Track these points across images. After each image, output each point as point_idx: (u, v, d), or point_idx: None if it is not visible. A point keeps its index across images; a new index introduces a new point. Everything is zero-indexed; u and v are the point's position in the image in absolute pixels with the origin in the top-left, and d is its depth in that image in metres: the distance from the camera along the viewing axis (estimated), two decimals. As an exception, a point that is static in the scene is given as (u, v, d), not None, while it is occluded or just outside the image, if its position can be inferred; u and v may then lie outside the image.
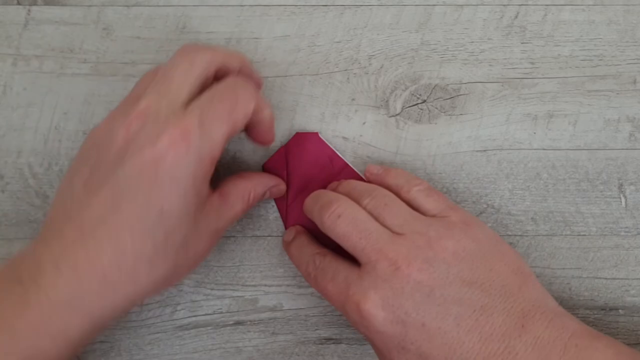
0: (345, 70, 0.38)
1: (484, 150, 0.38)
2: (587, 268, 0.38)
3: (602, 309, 0.38)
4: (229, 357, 0.38)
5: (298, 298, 0.38)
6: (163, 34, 0.38)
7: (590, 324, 0.31)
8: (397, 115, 0.38)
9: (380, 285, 0.30)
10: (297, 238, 0.36)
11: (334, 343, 0.38)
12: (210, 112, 0.29)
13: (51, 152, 0.38)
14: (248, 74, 0.34)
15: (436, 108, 0.38)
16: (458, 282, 0.30)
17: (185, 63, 0.31)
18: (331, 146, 0.38)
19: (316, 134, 0.38)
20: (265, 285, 0.38)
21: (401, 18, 0.38)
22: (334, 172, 0.37)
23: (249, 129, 0.34)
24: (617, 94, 0.38)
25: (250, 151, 0.38)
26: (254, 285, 0.38)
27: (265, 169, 0.37)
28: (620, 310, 0.38)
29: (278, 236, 0.38)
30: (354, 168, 0.37)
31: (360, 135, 0.38)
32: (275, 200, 0.38)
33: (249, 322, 0.38)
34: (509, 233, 0.38)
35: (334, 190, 0.35)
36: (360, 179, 0.37)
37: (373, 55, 0.38)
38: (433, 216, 0.33)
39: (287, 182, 0.37)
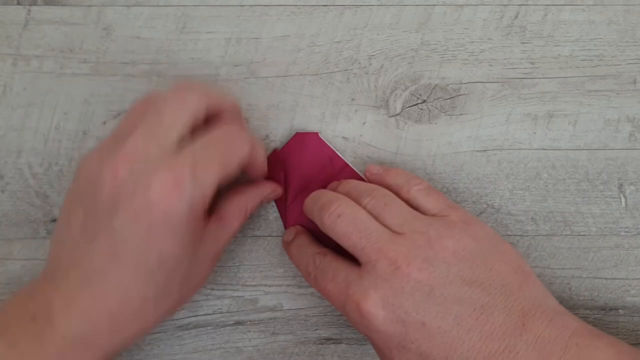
0: (345, 70, 0.38)
1: (484, 150, 0.38)
2: (587, 268, 0.38)
3: (602, 309, 0.38)
4: (229, 357, 0.38)
5: (298, 298, 0.38)
6: (163, 34, 0.38)
7: (590, 324, 0.31)
8: (397, 115, 0.38)
9: (381, 285, 0.30)
10: (297, 238, 0.36)
11: (334, 343, 0.38)
12: (203, 159, 0.29)
13: (51, 152, 0.38)
14: (237, 115, 0.34)
15: (436, 108, 0.38)
16: (458, 281, 0.30)
17: (176, 103, 0.30)
18: (331, 146, 0.38)
19: (316, 134, 0.38)
20: (265, 285, 0.38)
21: (401, 18, 0.38)
22: (334, 172, 0.37)
23: (243, 167, 0.34)
24: (617, 94, 0.38)
25: (250, 151, 0.38)
26: (254, 285, 0.38)
27: None
28: (620, 310, 0.38)
29: (278, 236, 0.38)
30: (354, 168, 0.37)
31: (360, 135, 0.38)
32: (275, 200, 0.38)
33: (249, 322, 0.38)
34: (509, 233, 0.38)
35: (334, 190, 0.35)
36: (360, 178, 0.37)
37: (373, 55, 0.38)
38: (433, 215, 0.33)
39: (287, 182, 0.37)
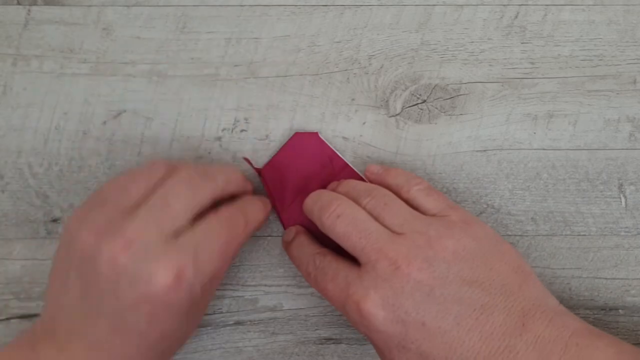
0: (345, 70, 0.38)
1: (484, 150, 0.38)
2: (587, 268, 0.38)
3: (602, 309, 0.38)
4: (229, 357, 0.38)
5: (298, 298, 0.38)
6: (163, 34, 0.38)
7: (590, 324, 0.30)
8: (397, 115, 0.38)
9: (380, 285, 0.30)
10: (297, 238, 0.36)
11: (334, 343, 0.38)
12: (205, 247, 0.30)
13: (51, 152, 0.38)
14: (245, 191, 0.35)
15: (436, 108, 0.38)
16: (458, 281, 0.30)
17: (187, 194, 0.30)
18: (331, 146, 0.38)
19: (316, 133, 0.38)
20: (265, 285, 0.38)
21: (401, 18, 0.38)
22: (334, 172, 0.37)
23: None
24: (617, 94, 0.38)
25: (250, 151, 0.38)
26: (254, 285, 0.38)
27: (263, 172, 0.37)
28: (620, 310, 0.38)
29: (278, 236, 0.38)
30: (354, 168, 0.37)
31: (360, 135, 0.38)
32: (272, 201, 0.37)
33: (249, 322, 0.38)
34: (509, 233, 0.38)
35: (334, 190, 0.35)
36: (360, 178, 0.37)
37: (373, 55, 0.38)
38: (433, 215, 0.33)
39: (287, 182, 0.37)
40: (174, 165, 0.32)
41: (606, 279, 0.38)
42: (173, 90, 0.38)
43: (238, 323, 0.38)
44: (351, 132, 0.38)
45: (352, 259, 0.32)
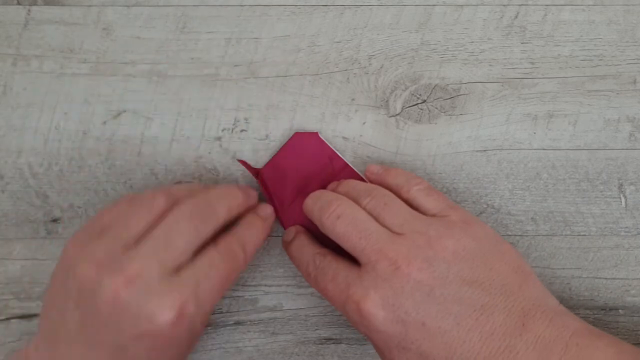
0: (345, 70, 0.38)
1: (484, 150, 0.38)
2: (587, 268, 0.38)
3: (602, 309, 0.38)
4: (229, 357, 0.38)
5: (298, 298, 0.38)
6: (163, 34, 0.38)
7: (590, 324, 0.30)
8: (397, 115, 0.38)
9: (381, 285, 0.30)
10: (297, 238, 0.36)
11: (334, 343, 0.38)
12: (206, 283, 0.30)
13: (51, 152, 0.38)
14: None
15: (436, 108, 0.38)
16: (458, 281, 0.30)
17: (190, 231, 0.30)
18: (331, 146, 0.38)
19: (316, 133, 0.38)
20: (265, 285, 0.38)
21: (401, 18, 0.38)
22: (334, 172, 0.37)
23: None
24: (617, 94, 0.38)
25: (250, 151, 0.38)
26: (254, 285, 0.38)
27: (263, 172, 0.37)
28: (620, 310, 0.38)
29: (278, 236, 0.38)
30: (354, 168, 0.37)
31: (360, 135, 0.38)
32: (271, 201, 0.37)
33: (249, 322, 0.38)
34: (509, 233, 0.38)
35: (334, 190, 0.35)
36: (360, 178, 0.37)
37: (373, 55, 0.38)
38: (433, 215, 0.33)
39: (287, 182, 0.37)
40: (175, 196, 0.32)
41: (606, 279, 0.38)
42: (173, 90, 0.38)
43: (238, 323, 0.38)
44: (351, 132, 0.38)
45: (352, 259, 0.32)
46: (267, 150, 0.38)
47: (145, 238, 0.30)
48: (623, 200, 0.38)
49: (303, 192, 0.37)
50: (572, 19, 0.39)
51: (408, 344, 0.29)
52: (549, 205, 0.38)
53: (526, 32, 0.38)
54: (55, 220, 0.38)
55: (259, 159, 0.38)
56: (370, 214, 0.32)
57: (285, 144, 0.38)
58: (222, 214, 0.32)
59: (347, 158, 0.38)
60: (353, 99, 0.38)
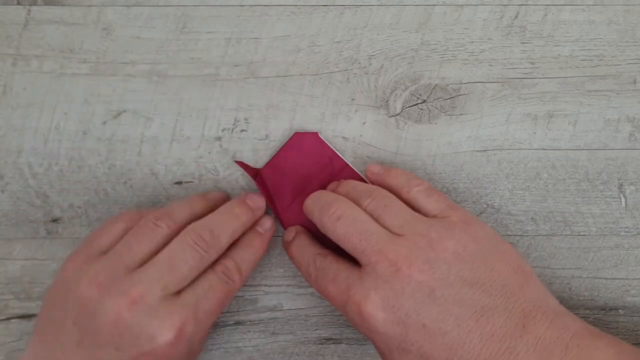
0: (345, 70, 0.38)
1: (484, 150, 0.38)
2: (587, 268, 0.38)
3: (602, 309, 0.38)
4: (229, 357, 0.38)
5: (298, 298, 0.38)
6: (163, 34, 0.38)
7: (590, 324, 0.31)
8: (397, 115, 0.38)
9: (381, 286, 0.30)
10: (297, 238, 0.36)
11: (334, 343, 0.38)
12: (205, 305, 0.31)
13: (51, 152, 0.38)
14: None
15: (436, 108, 0.38)
16: (459, 283, 0.30)
17: (195, 259, 0.31)
18: (331, 146, 0.38)
19: (316, 133, 0.38)
20: (265, 285, 0.38)
21: (401, 18, 0.38)
22: (333, 172, 0.37)
23: None
24: (617, 94, 0.38)
25: (250, 151, 0.38)
26: (254, 285, 0.38)
27: (263, 172, 0.37)
28: (620, 310, 0.38)
29: (278, 236, 0.38)
30: (354, 168, 0.37)
31: (360, 135, 0.38)
32: (271, 201, 0.37)
33: (249, 322, 0.38)
34: (509, 233, 0.38)
35: (334, 190, 0.35)
36: (360, 179, 0.37)
37: (373, 55, 0.38)
38: (434, 217, 0.33)
39: (287, 182, 0.37)
40: (177, 219, 0.33)
41: (606, 279, 0.38)
42: (173, 90, 0.38)
43: (238, 323, 0.38)
44: (351, 132, 0.38)
45: (352, 260, 0.32)
46: (267, 150, 0.38)
47: (150, 262, 0.31)
48: (623, 200, 0.38)
49: (303, 192, 0.37)
50: (572, 19, 0.39)
51: (408, 345, 0.29)
52: (549, 205, 0.38)
53: (526, 32, 0.38)
54: (55, 220, 0.38)
55: (259, 159, 0.38)
56: (370, 215, 0.32)
57: (285, 144, 0.38)
58: (225, 240, 0.33)
59: (347, 158, 0.38)
60: (353, 99, 0.38)
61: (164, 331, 0.29)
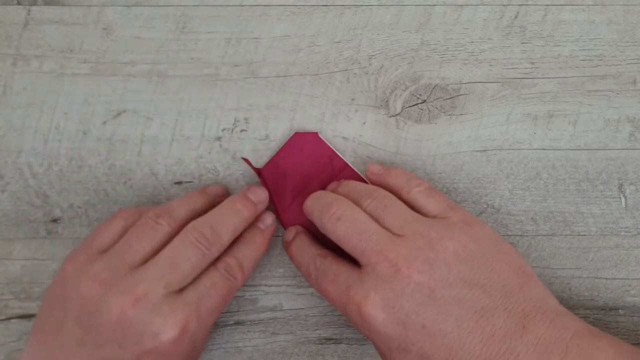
0: (345, 70, 0.38)
1: (484, 150, 0.38)
2: (587, 268, 0.38)
3: (602, 309, 0.38)
4: (229, 357, 0.38)
5: (298, 298, 0.38)
6: (163, 34, 0.38)
7: (590, 324, 0.31)
8: (397, 115, 0.38)
9: (381, 287, 0.30)
10: (297, 238, 0.36)
11: (334, 343, 0.38)
12: (207, 302, 0.31)
13: (51, 152, 0.38)
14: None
15: (436, 108, 0.38)
16: (459, 283, 0.30)
17: (197, 256, 0.31)
18: (331, 146, 0.38)
19: (316, 133, 0.38)
20: (265, 285, 0.38)
21: (401, 18, 0.38)
22: (333, 172, 0.37)
23: None
24: (617, 94, 0.38)
25: (250, 151, 0.38)
26: (254, 285, 0.38)
27: (263, 172, 0.37)
28: (620, 310, 0.38)
29: (278, 236, 0.38)
30: (354, 168, 0.37)
31: (360, 135, 0.38)
32: (272, 201, 0.37)
33: (249, 322, 0.38)
34: (509, 233, 0.38)
35: (334, 191, 0.35)
36: (360, 179, 0.37)
37: (373, 55, 0.38)
38: (434, 217, 0.33)
39: (287, 182, 0.37)
40: (177, 217, 0.33)
41: (606, 279, 0.38)
42: (173, 90, 0.38)
43: (238, 323, 0.38)
44: (351, 132, 0.38)
45: (352, 260, 0.32)
46: (267, 150, 0.38)
47: (152, 260, 0.31)
48: (623, 200, 0.38)
49: (303, 192, 0.37)
50: (572, 19, 0.39)
51: (409, 345, 0.29)
52: (549, 205, 0.38)
53: (526, 32, 0.38)
54: (55, 220, 0.38)
55: (259, 159, 0.38)
56: (370, 215, 0.32)
57: (285, 144, 0.38)
58: (226, 237, 0.33)
59: (347, 158, 0.38)
60: (353, 99, 0.38)
61: (167, 329, 0.30)
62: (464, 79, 0.38)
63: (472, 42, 0.38)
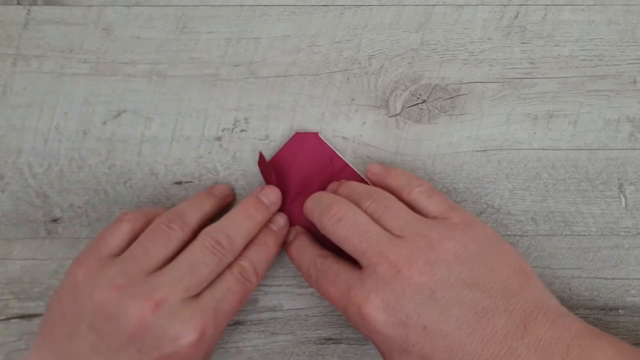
0: (345, 70, 0.38)
1: (484, 150, 0.38)
2: (587, 268, 0.38)
3: (602, 309, 0.38)
4: (229, 357, 0.38)
5: (298, 298, 0.38)
6: (163, 34, 0.38)
7: (590, 324, 0.31)
8: (397, 115, 0.38)
9: (382, 288, 0.30)
10: (297, 239, 0.36)
11: (334, 343, 0.38)
12: (224, 306, 0.32)
13: (51, 152, 0.38)
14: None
15: (436, 108, 0.38)
16: (459, 284, 0.30)
17: (214, 262, 0.32)
18: (331, 146, 0.38)
19: (316, 134, 0.38)
20: (265, 285, 0.38)
21: (401, 18, 0.38)
22: (334, 172, 0.37)
23: None
24: (617, 94, 0.38)
25: (250, 151, 0.38)
26: (254, 285, 0.38)
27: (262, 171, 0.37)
28: (620, 310, 0.38)
29: (278, 236, 0.38)
30: (354, 168, 0.37)
31: (360, 135, 0.38)
32: None
33: (249, 322, 0.38)
34: (509, 233, 0.38)
35: (334, 191, 0.35)
36: (361, 179, 0.37)
37: (373, 55, 0.38)
38: (434, 218, 0.33)
39: (287, 182, 0.37)
40: (189, 222, 0.33)
41: (606, 279, 0.38)
42: (173, 90, 0.38)
43: (238, 323, 0.38)
44: (351, 132, 0.38)
45: (353, 261, 0.32)
46: (267, 150, 0.38)
47: (169, 266, 0.31)
48: (623, 200, 0.38)
49: (303, 192, 0.37)
50: (572, 19, 0.39)
51: (409, 346, 0.29)
52: (549, 205, 0.38)
53: (526, 32, 0.38)
54: (55, 220, 0.38)
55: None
56: (371, 216, 0.32)
57: (286, 144, 0.38)
58: (240, 242, 0.33)
59: (347, 158, 0.38)
60: (353, 99, 0.38)
61: (186, 333, 0.30)
62: (464, 79, 0.38)
63: (472, 42, 0.38)
